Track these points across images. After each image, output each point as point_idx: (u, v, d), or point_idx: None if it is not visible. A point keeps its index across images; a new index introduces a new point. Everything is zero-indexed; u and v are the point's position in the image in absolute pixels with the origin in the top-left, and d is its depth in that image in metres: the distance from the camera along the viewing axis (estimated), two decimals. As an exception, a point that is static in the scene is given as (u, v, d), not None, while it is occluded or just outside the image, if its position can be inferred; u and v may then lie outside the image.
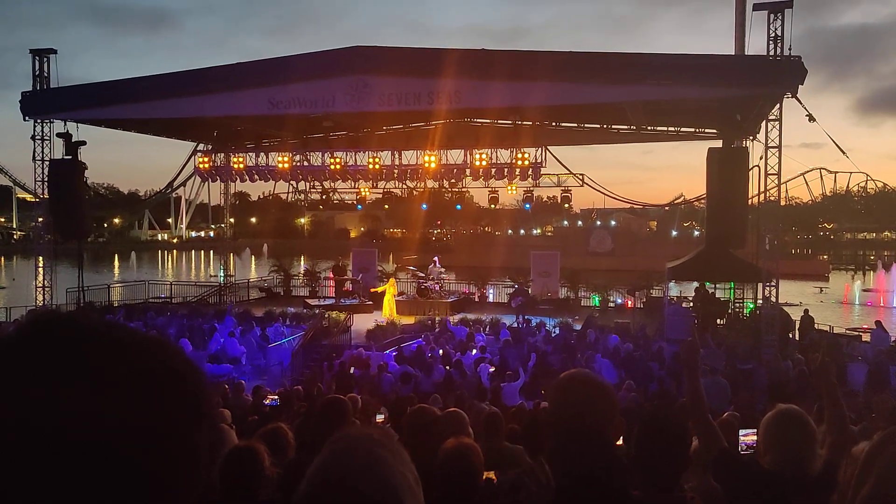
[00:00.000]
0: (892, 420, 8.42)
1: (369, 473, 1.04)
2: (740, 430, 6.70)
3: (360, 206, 36.27)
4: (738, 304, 26.13)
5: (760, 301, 21.44)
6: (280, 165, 25.66)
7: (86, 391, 0.68)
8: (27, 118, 23.96)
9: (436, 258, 28.92)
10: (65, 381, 0.68)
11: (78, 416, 0.67)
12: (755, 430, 6.18)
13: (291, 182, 28.74)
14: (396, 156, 25.62)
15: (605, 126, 26.96)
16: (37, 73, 24.05)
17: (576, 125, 26.97)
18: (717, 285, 25.54)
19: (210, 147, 27.77)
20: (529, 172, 24.23)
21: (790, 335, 21.38)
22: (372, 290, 26.65)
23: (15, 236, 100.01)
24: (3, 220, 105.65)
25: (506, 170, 24.26)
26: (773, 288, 19.38)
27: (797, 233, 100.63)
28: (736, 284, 25.83)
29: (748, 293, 25.56)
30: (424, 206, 40.25)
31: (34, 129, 24.22)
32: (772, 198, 19.93)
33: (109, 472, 0.67)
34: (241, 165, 26.00)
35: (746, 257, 22.18)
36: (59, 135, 24.26)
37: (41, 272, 25.31)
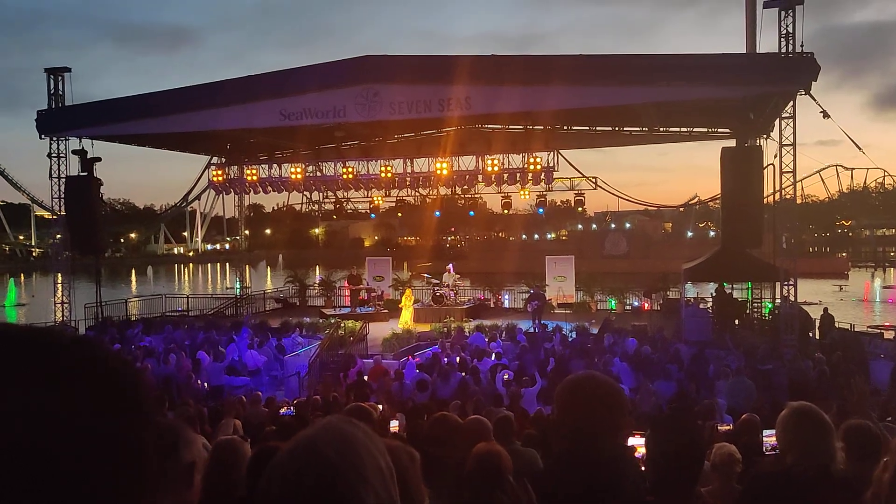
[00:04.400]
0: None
1: (334, 443, 1.14)
2: (764, 431, 6.61)
3: (373, 215, 36.38)
4: (756, 305, 25.88)
5: (779, 300, 21.23)
6: (293, 176, 25.76)
7: (5, 393, 0.65)
8: (43, 136, 24.21)
9: (450, 265, 28.88)
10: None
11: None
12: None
13: (305, 193, 28.84)
14: (408, 164, 25.65)
15: (617, 128, 26.86)
16: (52, 91, 24.34)
17: (588, 128, 26.90)
18: (735, 285, 25.32)
19: (224, 160, 27.92)
20: (542, 177, 24.16)
21: (810, 334, 21.15)
22: (400, 306, 26.48)
23: (34, 253, 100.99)
24: (21, 237, 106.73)
25: (518, 175, 24.21)
26: (791, 287, 19.19)
27: (814, 231, 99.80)
28: (753, 284, 25.59)
29: (766, 293, 25.32)
30: (437, 213, 40.24)
31: (50, 147, 24.47)
32: (787, 196, 19.76)
33: (37, 478, 0.63)
34: (255, 177, 26.12)
35: (763, 257, 21.99)
36: (74, 152, 24.51)
37: (59, 288, 25.51)
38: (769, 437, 6.33)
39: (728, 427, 8.39)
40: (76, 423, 0.66)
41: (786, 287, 19.35)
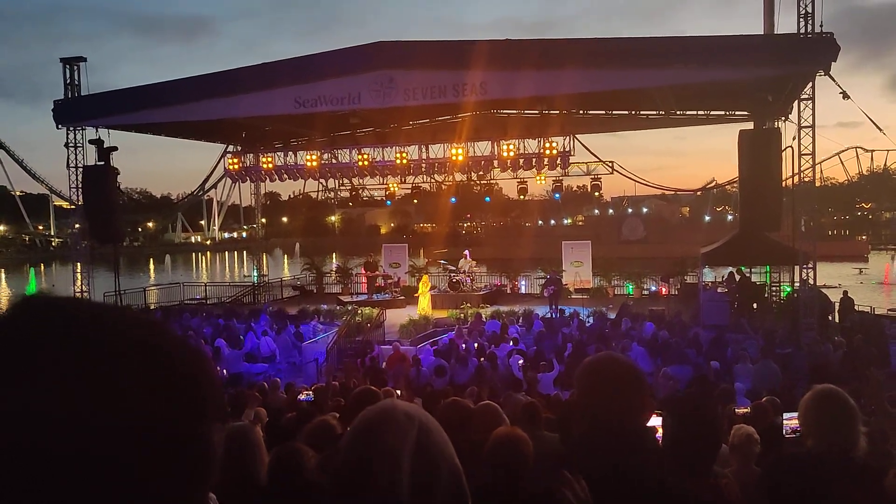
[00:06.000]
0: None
1: (435, 442, 1.13)
2: (784, 414, 6.58)
3: (389, 202, 36.38)
4: (774, 288, 25.69)
5: (798, 284, 21.06)
6: (309, 164, 25.77)
7: (73, 384, 0.59)
8: (60, 126, 24.36)
9: (466, 252, 28.87)
10: (44, 373, 0.59)
11: (57, 415, 0.58)
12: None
13: (321, 180, 28.89)
14: (424, 150, 25.59)
15: (633, 112, 26.63)
16: (68, 81, 24.46)
17: (604, 112, 26.69)
18: (753, 269, 25.14)
19: (239, 148, 27.99)
20: (558, 162, 24.02)
21: (829, 317, 20.99)
22: (416, 295, 26.48)
23: (53, 243, 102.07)
24: (41, 227, 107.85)
25: (534, 160, 24.08)
26: (810, 270, 19.02)
27: (834, 214, 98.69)
28: (772, 268, 25.40)
29: (785, 276, 25.12)
30: (453, 199, 40.15)
31: (67, 137, 24.65)
32: (806, 179, 19.52)
33: (101, 474, 0.59)
34: (271, 165, 26.16)
35: (782, 240, 21.79)
36: (91, 141, 24.62)
37: (79, 277, 25.78)
38: (789, 420, 6.31)
39: (746, 410, 8.36)
40: (137, 420, 0.61)
41: (805, 270, 19.18)
